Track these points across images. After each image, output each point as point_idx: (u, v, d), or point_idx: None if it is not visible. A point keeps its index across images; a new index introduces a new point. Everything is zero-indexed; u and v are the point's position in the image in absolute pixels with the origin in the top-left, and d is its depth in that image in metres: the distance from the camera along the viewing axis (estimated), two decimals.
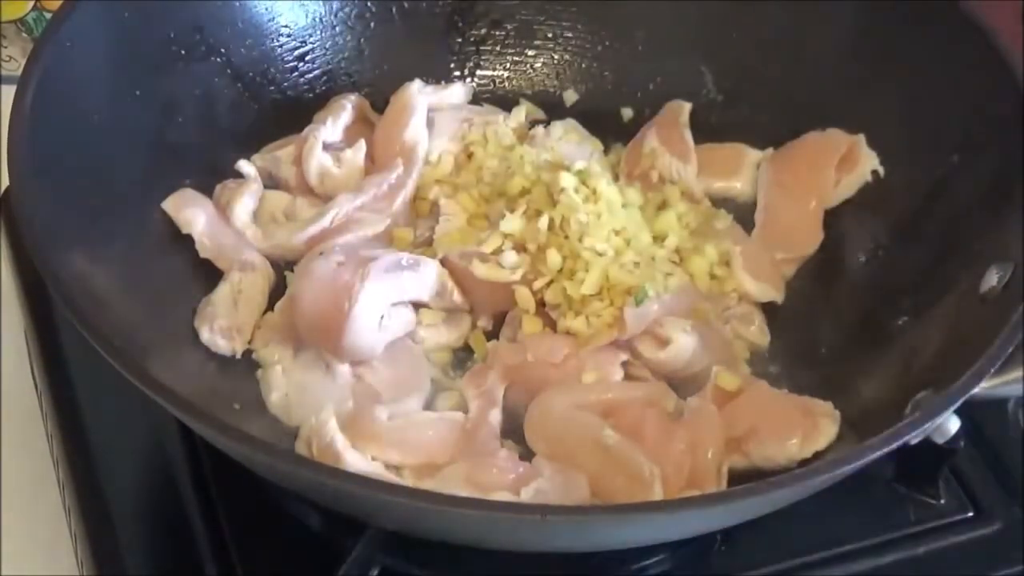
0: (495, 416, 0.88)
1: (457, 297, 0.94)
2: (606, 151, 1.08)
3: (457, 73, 1.12)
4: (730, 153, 1.07)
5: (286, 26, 1.05)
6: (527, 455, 0.86)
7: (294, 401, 0.89)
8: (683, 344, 0.90)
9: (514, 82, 1.13)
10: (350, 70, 1.08)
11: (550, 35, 1.13)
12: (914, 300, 0.92)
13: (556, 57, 1.13)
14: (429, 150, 1.03)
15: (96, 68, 0.92)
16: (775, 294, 0.98)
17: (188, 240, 0.94)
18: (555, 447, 0.85)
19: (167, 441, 0.90)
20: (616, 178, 1.03)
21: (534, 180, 0.96)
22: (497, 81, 1.13)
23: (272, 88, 1.05)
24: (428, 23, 1.10)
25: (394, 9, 1.09)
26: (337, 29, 1.08)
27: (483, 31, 1.12)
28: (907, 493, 0.91)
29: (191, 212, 0.95)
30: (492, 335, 0.95)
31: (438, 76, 1.10)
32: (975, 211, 0.91)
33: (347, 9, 1.07)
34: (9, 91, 0.85)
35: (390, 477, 0.83)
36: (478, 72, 1.13)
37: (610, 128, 1.09)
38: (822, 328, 0.97)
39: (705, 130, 1.07)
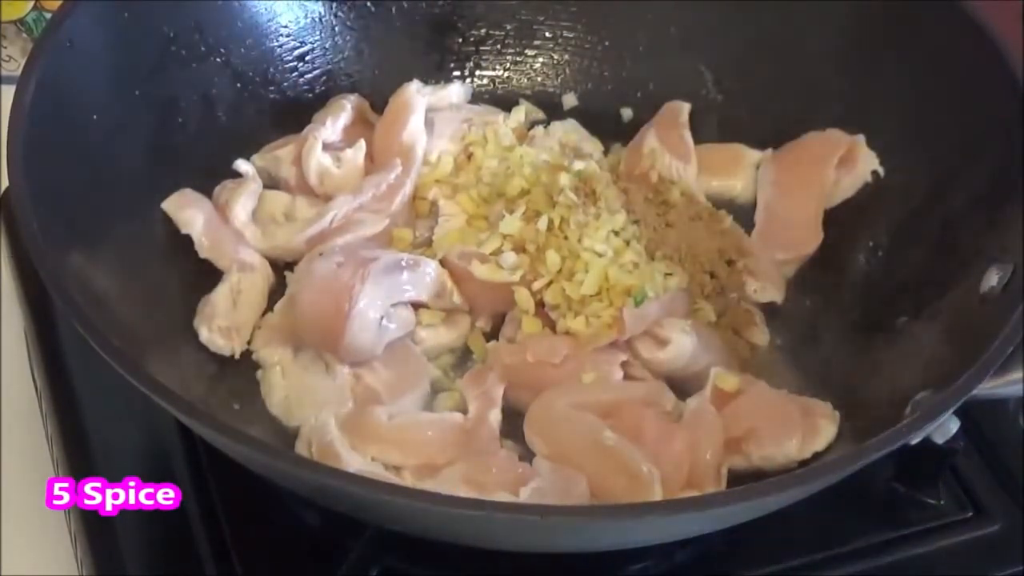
0: (495, 416, 0.88)
1: (457, 297, 0.94)
2: (606, 151, 1.08)
3: (457, 73, 1.12)
4: (730, 153, 1.07)
5: (286, 26, 1.05)
6: (527, 455, 0.86)
7: (294, 401, 0.89)
8: (682, 344, 0.90)
9: (514, 82, 1.13)
10: (350, 70, 1.08)
11: (550, 35, 1.13)
12: (914, 300, 0.92)
13: (556, 57, 1.13)
14: (428, 150, 1.03)
15: (96, 68, 0.92)
16: (775, 294, 0.98)
17: (188, 240, 0.94)
18: (555, 447, 0.85)
19: (167, 441, 0.90)
20: (616, 178, 1.03)
21: (533, 181, 0.96)
22: (497, 81, 1.13)
23: (272, 88, 1.05)
24: (428, 23, 1.10)
25: (394, 9, 1.09)
26: (337, 29, 1.08)
27: (483, 31, 1.12)
28: (907, 493, 0.91)
29: (191, 212, 0.95)
30: (492, 335, 0.95)
31: (438, 76, 1.10)
32: (975, 211, 0.91)
33: (346, 9, 1.07)
34: (9, 91, 0.85)
35: (390, 477, 0.83)
36: (478, 72, 1.13)
37: (610, 128, 1.09)
38: (822, 328, 0.97)
39: (705, 130, 1.07)
